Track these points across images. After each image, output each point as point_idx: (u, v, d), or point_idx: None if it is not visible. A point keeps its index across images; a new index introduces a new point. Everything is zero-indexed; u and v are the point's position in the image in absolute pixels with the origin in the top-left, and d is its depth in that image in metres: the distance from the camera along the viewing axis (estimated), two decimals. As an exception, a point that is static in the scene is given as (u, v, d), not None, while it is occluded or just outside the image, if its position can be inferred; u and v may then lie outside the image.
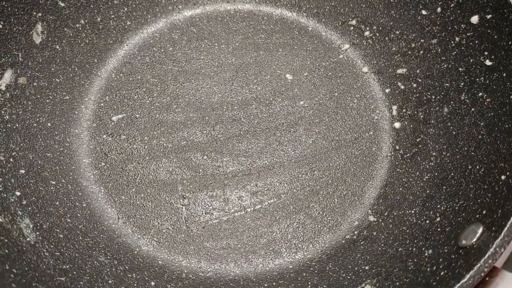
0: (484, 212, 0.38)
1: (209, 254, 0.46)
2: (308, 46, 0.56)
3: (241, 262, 0.46)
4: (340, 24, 0.57)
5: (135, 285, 0.42)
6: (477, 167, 0.42)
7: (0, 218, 0.39)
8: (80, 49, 0.53)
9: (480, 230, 0.36)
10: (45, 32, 0.50)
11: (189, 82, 0.54)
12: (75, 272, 0.40)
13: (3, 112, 0.45)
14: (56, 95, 0.51)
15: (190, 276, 0.44)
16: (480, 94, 0.45)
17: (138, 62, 0.55)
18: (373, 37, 0.55)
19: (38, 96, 0.49)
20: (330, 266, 0.44)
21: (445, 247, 0.38)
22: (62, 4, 0.52)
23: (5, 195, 0.41)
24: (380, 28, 0.55)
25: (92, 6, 0.54)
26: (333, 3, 0.57)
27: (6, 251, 0.37)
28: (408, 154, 0.49)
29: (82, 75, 0.53)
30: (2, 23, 0.46)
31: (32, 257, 0.38)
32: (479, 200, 0.39)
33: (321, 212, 0.48)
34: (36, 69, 0.50)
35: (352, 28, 0.56)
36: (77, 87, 0.52)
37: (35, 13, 0.49)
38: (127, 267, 0.43)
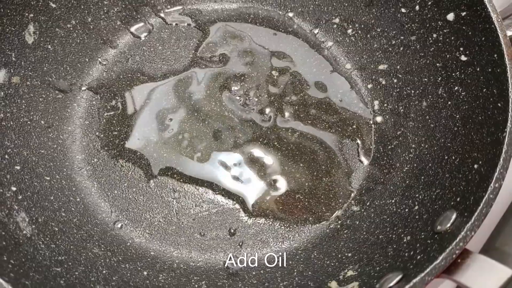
0: (458, 199, 0.40)
1: (199, 245, 0.48)
2: (293, 44, 0.58)
3: (230, 251, 0.47)
4: (324, 22, 0.59)
5: (128, 275, 0.44)
6: (453, 158, 0.44)
7: (-3, 212, 0.40)
8: (71, 49, 0.55)
9: (454, 216, 0.38)
10: (37, 32, 0.52)
11: (179, 79, 0.56)
12: (70, 263, 0.42)
13: (-3, 110, 0.47)
14: (49, 94, 0.52)
15: (181, 266, 0.46)
16: (456, 88, 0.47)
17: (128, 61, 0.57)
18: (356, 34, 0.57)
19: (32, 95, 0.51)
20: (315, 254, 0.46)
21: (422, 233, 0.40)
22: (54, 5, 0.53)
23: (1, 190, 0.43)
24: (362, 26, 0.57)
25: (82, 7, 0.55)
26: (317, 2, 0.59)
27: (4, 243, 0.38)
28: (390, 147, 0.52)
29: (74, 74, 0.55)
30: (-6, 24, 0.48)
31: (28, 249, 0.40)
32: (454, 189, 0.42)
33: (306, 203, 0.50)
34: (29, 68, 0.51)
35: (335, 26, 0.58)
36: (69, 85, 0.54)
37: (27, 14, 0.51)
38: (120, 258, 0.45)
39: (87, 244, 0.45)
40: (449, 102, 0.47)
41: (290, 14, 0.60)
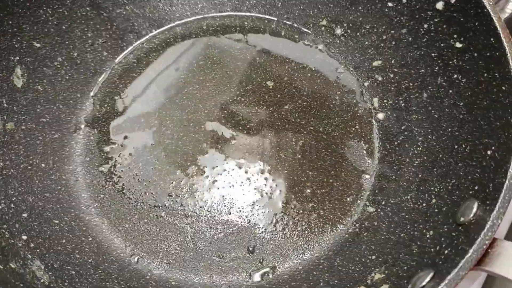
0: (476, 187, 0.40)
1: (220, 268, 0.47)
2: (284, 51, 0.58)
3: (252, 270, 0.47)
4: (311, 26, 0.59)
5: (153, 309, 0.43)
6: (463, 146, 0.44)
7: (12, 264, 0.39)
8: (61, 86, 0.54)
9: (475, 206, 0.38)
10: (25, 74, 0.51)
11: (173, 103, 0.55)
12: (93, 306, 0.41)
13: (-4, 160, 0.46)
14: (46, 135, 0.51)
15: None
16: (455, 76, 0.47)
17: (120, 90, 0.56)
18: (345, 34, 0.57)
19: (28, 139, 0.50)
20: (338, 261, 0.46)
21: (445, 226, 0.40)
22: (38, 45, 0.52)
23: (12, 240, 0.42)
24: (351, 24, 0.56)
25: (67, 43, 0.55)
26: (301, 7, 0.58)
27: (24, 296, 0.37)
28: (396, 142, 0.51)
29: (68, 111, 0.54)
30: (-19, 72, 0.47)
31: (49, 298, 0.39)
32: (469, 177, 0.41)
33: (321, 211, 0.49)
34: (22, 112, 0.50)
35: (323, 28, 0.58)
36: (64, 124, 0.53)
37: (12, 58, 0.50)
38: (142, 293, 0.44)
39: (107, 284, 0.44)
40: (451, 91, 0.47)
41: (276, 22, 0.59)
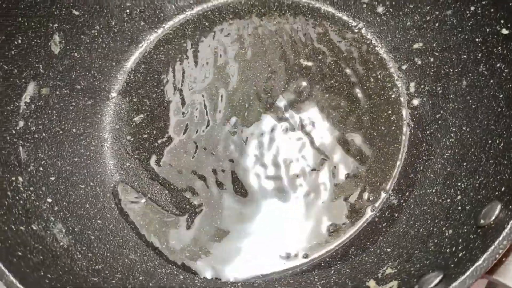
0: (503, 189, 0.37)
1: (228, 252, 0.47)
2: (321, 29, 0.56)
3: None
4: (352, 2, 0.56)
5: (165, 279, 0.44)
6: (497, 142, 0.41)
7: (34, 226, 0.41)
8: (97, 54, 0.55)
9: (498, 208, 0.35)
10: (63, 41, 0.52)
11: (204, 77, 0.55)
12: (107, 272, 0.42)
13: (29, 123, 0.48)
14: (79, 101, 0.53)
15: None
16: (498, 65, 0.43)
17: (154, 61, 0.56)
18: (387, 13, 0.54)
19: (62, 104, 0.51)
20: (353, 250, 0.45)
21: (465, 227, 0.38)
22: (77, 13, 0.53)
23: (37, 203, 0.44)
24: (393, 3, 0.53)
25: (105, 11, 0.55)
26: (343, -18, 0.56)
27: (41, 257, 0.39)
28: (428, 132, 0.49)
29: (102, 79, 0.55)
30: (20, 38, 0.48)
31: (66, 260, 0.41)
32: (498, 177, 0.38)
33: (342, 195, 0.48)
34: (57, 78, 0.52)
35: (364, 6, 0.55)
36: (97, 91, 0.54)
37: (51, 25, 0.51)
38: (156, 263, 0.45)
39: (124, 250, 0.45)
40: (491, 81, 0.44)
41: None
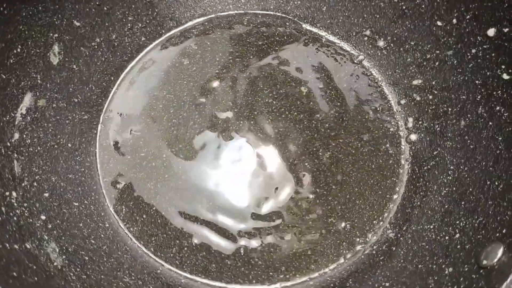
0: (504, 231, 0.38)
1: (231, 272, 0.47)
2: (322, 58, 0.56)
3: (262, 279, 0.46)
4: (354, 34, 0.57)
5: (160, 305, 0.43)
6: (496, 183, 0.42)
7: (27, 244, 0.40)
8: (96, 68, 0.54)
9: (500, 250, 0.36)
10: (62, 52, 0.51)
11: (204, 97, 0.54)
12: (101, 295, 0.41)
13: (24, 136, 0.46)
14: (75, 115, 0.51)
15: (213, 294, 0.45)
16: (498, 108, 0.45)
17: (154, 77, 0.56)
18: (388, 47, 0.55)
19: (58, 117, 0.50)
20: (350, 283, 0.45)
21: (466, 266, 0.39)
22: (78, 24, 0.52)
23: (31, 220, 0.42)
24: (395, 38, 0.55)
25: (107, 24, 0.54)
26: (346, 14, 0.57)
27: (35, 278, 0.37)
28: (426, 167, 0.50)
29: (100, 93, 0.54)
30: (20, 46, 0.47)
31: (60, 282, 0.39)
32: (498, 218, 0.40)
33: (339, 227, 0.48)
34: (55, 90, 0.50)
35: (366, 38, 0.56)
36: (95, 105, 0.53)
37: (51, 35, 0.50)
38: (151, 287, 0.44)
39: (118, 273, 0.44)
40: (490, 123, 0.45)
41: (318, 26, 0.58)
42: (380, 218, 0.49)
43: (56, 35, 0.50)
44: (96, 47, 0.54)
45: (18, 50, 0.47)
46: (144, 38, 0.57)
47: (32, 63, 0.48)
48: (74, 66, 0.52)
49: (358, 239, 0.48)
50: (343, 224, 0.48)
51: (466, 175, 0.46)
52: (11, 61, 0.46)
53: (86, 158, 0.51)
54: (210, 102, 0.54)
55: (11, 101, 0.46)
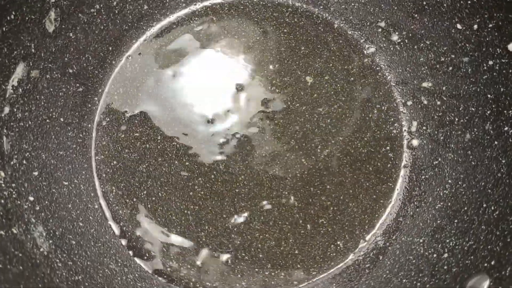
0: (492, 262, 0.38)
1: (218, 265, 0.47)
2: (332, 46, 0.54)
3: (248, 274, 0.47)
4: (368, 24, 0.54)
5: (144, 294, 0.43)
6: (492, 208, 0.41)
7: (14, 229, 0.39)
8: (94, 37, 0.51)
9: (486, 284, 0.36)
10: (59, 19, 0.48)
11: (206, 77, 0.52)
12: (87, 283, 0.41)
13: (15, 109, 0.44)
14: (70, 87, 0.49)
15: (197, 286, 0.46)
16: (506, 128, 0.43)
17: (154, 51, 0.53)
18: (401, 43, 0.53)
19: (51, 89, 0.48)
20: (334, 286, 0.45)
21: (450, 291, 0.39)
22: (77, -12, 0.49)
23: (19, 202, 0.41)
24: (410, 34, 0.52)
25: (108, -11, 0.51)
26: (363, 1, 0.53)
27: (21, 267, 0.37)
28: (424, 177, 0.49)
29: (96, 64, 0.52)
30: (13, 13, 0.44)
31: (45, 270, 0.39)
32: (489, 247, 0.39)
33: (329, 229, 0.48)
34: (49, 60, 0.48)
35: (380, 30, 0.54)
36: (90, 77, 0.51)
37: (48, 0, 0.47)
38: (136, 275, 0.44)
39: (104, 259, 0.44)
40: (496, 142, 0.44)
41: (331, 10, 0.55)
42: (372, 223, 0.48)
43: (53, 0, 0.47)
44: (95, 13, 0.51)
45: (12, 16, 0.44)
46: (147, 7, 0.54)
47: (26, 31, 0.45)
48: (71, 34, 0.49)
49: (347, 244, 0.48)
50: (333, 226, 0.48)
51: (463, 192, 0.45)
52: (4, 28, 0.43)
53: (79, 134, 0.49)
54: (211, 81, 0.52)
55: (2, 72, 0.43)
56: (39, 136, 0.46)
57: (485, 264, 0.38)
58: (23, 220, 0.41)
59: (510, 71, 0.44)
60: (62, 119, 0.48)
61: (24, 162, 0.44)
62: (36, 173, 0.44)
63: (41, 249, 0.41)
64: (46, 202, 0.44)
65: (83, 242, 0.44)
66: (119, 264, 0.44)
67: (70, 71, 0.50)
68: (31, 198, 0.43)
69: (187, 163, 0.49)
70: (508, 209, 0.40)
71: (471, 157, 0.46)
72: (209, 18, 0.54)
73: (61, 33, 0.49)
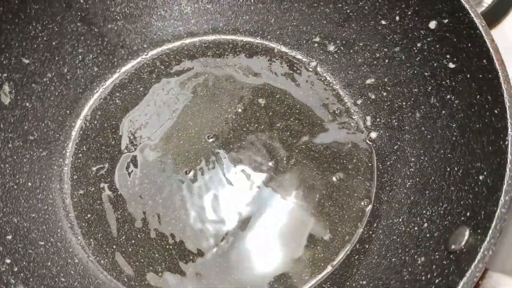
0: (468, 214, 0.39)
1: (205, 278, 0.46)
2: (276, 68, 0.57)
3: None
4: (304, 42, 0.58)
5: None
6: (455, 169, 0.43)
7: (-7, 291, 0.38)
8: (50, 103, 0.53)
9: (467, 233, 0.37)
10: (13, 91, 0.50)
11: (164, 120, 0.54)
12: (76, 333, 0.40)
13: (-19, 180, 0.45)
14: (33, 153, 0.50)
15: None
16: (448, 96, 0.46)
17: (110, 107, 0.55)
18: (338, 51, 0.56)
19: (15, 157, 0.49)
20: (328, 285, 0.45)
21: (436, 253, 0.39)
22: (27, 61, 0.51)
23: (-5, 265, 0.41)
24: (344, 41, 0.56)
25: (57, 58, 0.54)
26: (294, 23, 0.58)
27: (4, 324, 0.36)
28: (388, 163, 0.50)
29: (56, 128, 0.53)
30: (-33, 90, 0.46)
31: (31, 324, 0.38)
32: (461, 202, 0.40)
33: (311, 231, 0.48)
34: (9, 130, 0.49)
35: (316, 45, 0.57)
36: (52, 141, 0.52)
37: (0, 74, 0.49)
38: (127, 319, 0.43)
39: (92, 308, 0.43)
40: (443, 112, 0.47)
41: (269, 38, 0.59)
42: (350, 217, 0.49)
43: (5, 74, 0.49)
44: (48, 82, 0.53)
45: (-34, 93, 0.46)
46: (97, 69, 0.57)
47: (-18, 106, 0.47)
48: (27, 104, 0.51)
49: (332, 241, 0.48)
50: (315, 228, 0.48)
51: (427, 165, 0.47)
52: (-41, 106, 0.45)
53: (49, 195, 0.49)
54: (169, 126, 0.54)
55: (-37, 146, 0.45)
56: (8, 202, 0.46)
57: (462, 218, 0.39)
58: (2, 281, 0.40)
59: (437, 46, 0.47)
60: (29, 184, 0.49)
61: (-4, 227, 0.44)
62: (10, 237, 0.44)
63: (24, 307, 0.39)
64: (24, 263, 0.43)
65: (67, 295, 0.43)
66: (108, 312, 0.43)
67: (31, 138, 0.51)
68: (8, 261, 0.42)
69: (160, 201, 0.50)
70: (469, 164, 0.42)
71: (425, 132, 0.48)
72: (158, 68, 0.57)
73: (17, 104, 0.50)
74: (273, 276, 0.46)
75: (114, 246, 0.48)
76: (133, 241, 0.48)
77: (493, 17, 0.59)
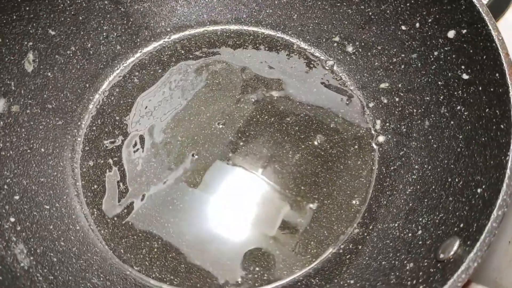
0: (461, 225, 0.39)
1: (200, 272, 0.47)
2: (294, 63, 0.58)
3: (230, 279, 0.47)
4: (324, 40, 0.58)
5: (127, 306, 0.43)
6: (456, 180, 0.43)
7: (-6, 245, 0.40)
8: (71, 75, 0.55)
9: (457, 244, 0.37)
10: (37, 60, 0.52)
11: (178, 104, 0.55)
12: (68, 295, 0.41)
13: (-3, 140, 0.47)
14: (49, 121, 0.52)
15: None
16: (459, 107, 0.46)
17: (128, 85, 0.57)
18: (356, 52, 0.57)
19: (32, 123, 0.51)
20: (317, 281, 0.45)
21: (425, 261, 0.39)
22: (53, 33, 0.53)
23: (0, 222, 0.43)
24: (363, 43, 0.56)
25: (82, 33, 0.56)
26: (316, 21, 0.58)
27: (0, 278, 0.38)
28: (392, 168, 0.51)
29: (75, 99, 0.55)
30: (-7, 53, 0.48)
31: (26, 282, 0.40)
32: (457, 213, 0.40)
33: (308, 227, 0.49)
34: (29, 96, 0.51)
35: (335, 44, 0.58)
36: (69, 112, 0.54)
37: (26, 43, 0.51)
38: (119, 288, 0.45)
39: (86, 274, 0.44)
40: (452, 122, 0.46)
41: (289, 33, 0.59)
42: (348, 218, 0.49)
43: (31, 43, 0.52)
44: (71, 55, 0.55)
45: (-9, 57, 0.48)
46: (120, 47, 0.59)
47: (6, 70, 0.49)
48: (49, 74, 0.53)
49: (326, 239, 0.48)
50: (311, 224, 0.49)
51: (429, 174, 0.47)
52: (-16, 68, 0.47)
53: (59, 163, 0.51)
54: (183, 108, 0.55)
55: (-16, 106, 0.47)
56: (20, 164, 0.48)
57: (455, 229, 0.39)
58: (4, 238, 0.42)
59: (453, 56, 0.47)
60: (43, 150, 0.51)
61: (5, 187, 0.46)
62: (17, 197, 0.46)
63: (22, 264, 0.41)
64: (27, 223, 0.45)
65: (64, 259, 0.45)
66: (102, 279, 0.45)
67: (50, 106, 0.53)
68: (12, 219, 0.44)
69: (166, 182, 0.51)
70: (470, 177, 0.42)
71: (432, 141, 0.48)
72: (178, 52, 0.59)
73: (39, 72, 0.52)
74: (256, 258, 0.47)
75: (115, 219, 0.49)
76: (134, 215, 0.49)
77: (497, 9, 0.59)
